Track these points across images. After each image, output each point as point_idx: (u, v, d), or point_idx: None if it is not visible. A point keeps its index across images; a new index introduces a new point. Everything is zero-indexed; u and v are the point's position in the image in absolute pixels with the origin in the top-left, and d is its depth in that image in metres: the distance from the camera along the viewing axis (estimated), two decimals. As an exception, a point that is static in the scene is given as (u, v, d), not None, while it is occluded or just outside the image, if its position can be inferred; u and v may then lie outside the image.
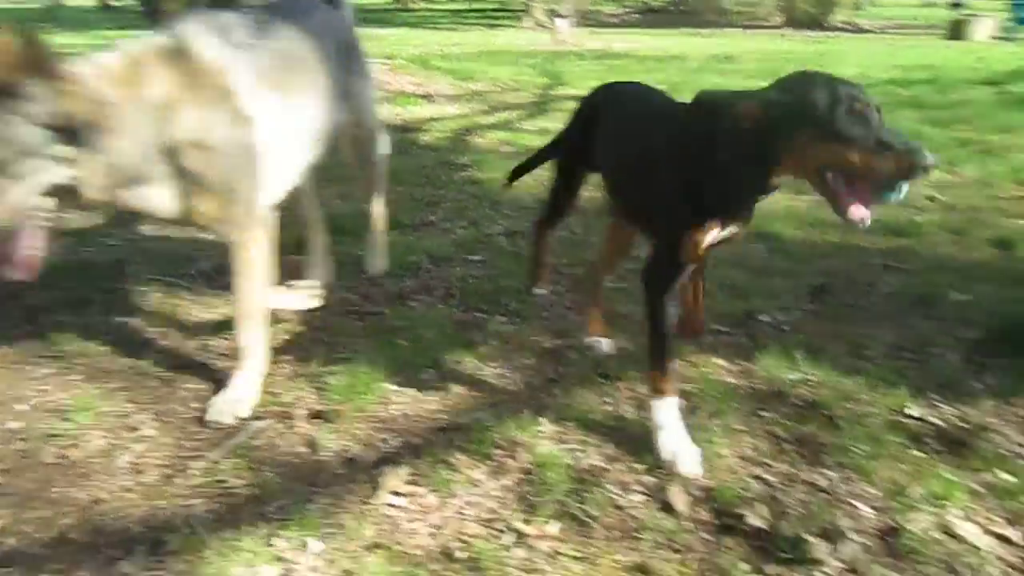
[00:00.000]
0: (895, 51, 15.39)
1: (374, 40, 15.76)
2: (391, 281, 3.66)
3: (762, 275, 3.70)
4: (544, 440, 2.44)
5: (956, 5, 28.61)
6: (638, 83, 2.81)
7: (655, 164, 2.29)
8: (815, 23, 24.18)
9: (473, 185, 5.38)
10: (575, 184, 2.85)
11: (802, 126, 1.93)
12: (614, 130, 2.57)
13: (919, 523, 2.07)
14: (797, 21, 24.51)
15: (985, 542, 2.01)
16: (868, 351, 2.99)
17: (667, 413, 2.33)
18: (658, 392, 2.34)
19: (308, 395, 2.72)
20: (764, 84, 2.13)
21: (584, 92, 2.87)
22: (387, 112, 7.99)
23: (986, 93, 9.21)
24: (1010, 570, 1.94)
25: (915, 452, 2.38)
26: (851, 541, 2.01)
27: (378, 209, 3.72)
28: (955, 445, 2.41)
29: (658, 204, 2.31)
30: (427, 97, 8.99)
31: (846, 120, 1.90)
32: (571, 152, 2.82)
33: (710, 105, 2.10)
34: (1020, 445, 2.42)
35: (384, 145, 3.62)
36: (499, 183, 4.46)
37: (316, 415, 2.61)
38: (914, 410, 2.58)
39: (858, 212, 1.93)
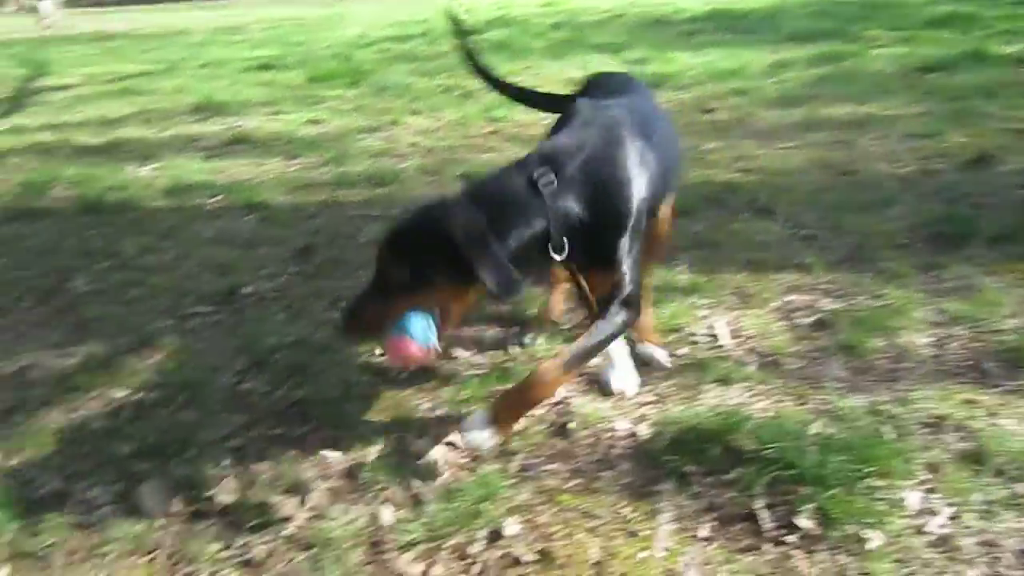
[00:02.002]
0: (395, 9, 16.21)
1: None
2: None
3: (249, 247, 3.69)
4: (-6, 481, 2.19)
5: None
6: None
7: None
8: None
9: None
10: None
11: None
12: None
13: (379, 452, 2.22)
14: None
15: (439, 451, 2.21)
16: (345, 302, 3.11)
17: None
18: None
19: None
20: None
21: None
22: None
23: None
24: (458, 471, 2.16)
25: (381, 387, 2.53)
26: (316, 489, 2.08)
27: None
28: (421, 372, 2.61)
29: None
30: None
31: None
32: None
33: None
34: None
35: None
36: None
37: None
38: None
39: None
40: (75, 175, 4.97)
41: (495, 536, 1.91)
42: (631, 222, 2.10)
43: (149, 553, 1.94)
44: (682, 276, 3.08)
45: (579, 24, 11.29)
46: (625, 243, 2.10)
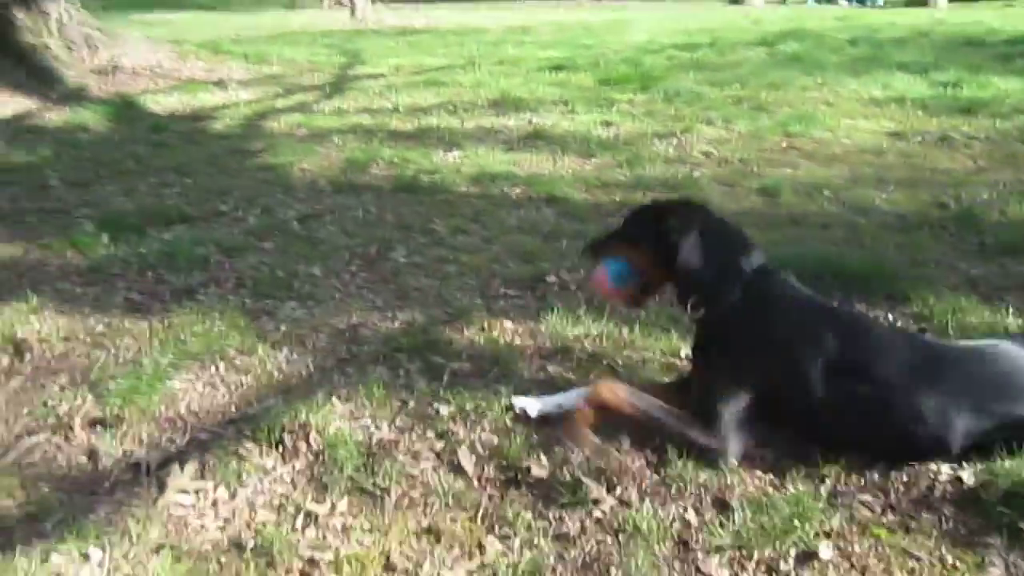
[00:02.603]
0: (681, 17, 16.17)
1: (161, 25, 14.98)
2: (178, 276, 3.54)
3: (551, 238, 3.85)
4: (335, 420, 2.45)
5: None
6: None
7: None
8: (610, -8, 24.99)
9: (266, 171, 5.25)
10: None
11: None
12: None
13: (682, 453, 2.24)
14: (593, -9, 25.23)
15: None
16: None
17: None
18: None
19: (85, 403, 2.60)
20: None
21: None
22: (176, 101, 7.65)
23: (759, 53, 9.88)
24: (765, 485, 2.14)
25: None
26: (624, 479, 2.15)
27: None
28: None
29: None
30: (219, 83, 8.64)
31: None
32: None
33: None
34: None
35: None
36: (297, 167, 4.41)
37: (95, 422, 2.50)
38: (685, 350, 2.77)
39: None
40: (391, 156, 5.44)
41: (807, 556, 1.88)
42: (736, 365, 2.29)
43: (468, 510, 2.09)
44: (1011, 320, 2.85)
45: (878, 40, 10.69)
46: (713, 370, 2.33)
